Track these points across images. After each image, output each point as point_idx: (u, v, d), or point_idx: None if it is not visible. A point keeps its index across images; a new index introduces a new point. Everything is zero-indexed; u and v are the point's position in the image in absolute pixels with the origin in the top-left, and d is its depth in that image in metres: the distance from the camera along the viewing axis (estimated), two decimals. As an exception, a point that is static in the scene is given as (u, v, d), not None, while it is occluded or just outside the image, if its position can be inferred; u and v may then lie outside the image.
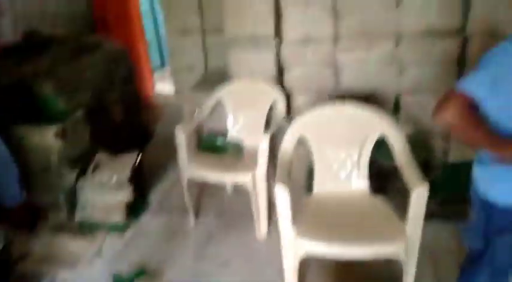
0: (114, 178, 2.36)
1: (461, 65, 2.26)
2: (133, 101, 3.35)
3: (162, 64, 5.40)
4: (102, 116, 2.82)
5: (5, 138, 1.50)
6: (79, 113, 2.46)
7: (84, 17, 3.59)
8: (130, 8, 4.00)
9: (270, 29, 2.38)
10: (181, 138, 2.20)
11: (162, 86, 4.66)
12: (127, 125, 3.21)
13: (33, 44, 2.62)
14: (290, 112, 2.48)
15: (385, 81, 2.37)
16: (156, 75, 5.01)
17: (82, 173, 2.37)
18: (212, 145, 2.41)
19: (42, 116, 2.29)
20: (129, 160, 2.54)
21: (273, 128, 2.21)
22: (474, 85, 1.03)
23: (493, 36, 2.11)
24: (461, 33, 2.21)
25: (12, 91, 2.25)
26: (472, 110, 1.03)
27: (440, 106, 1.04)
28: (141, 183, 2.58)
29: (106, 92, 2.91)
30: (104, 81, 2.90)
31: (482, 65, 1.06)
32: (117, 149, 2.68)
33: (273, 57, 2.40)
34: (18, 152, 2.12)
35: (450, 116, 1.02)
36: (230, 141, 2.43)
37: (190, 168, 2.17)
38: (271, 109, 2.42)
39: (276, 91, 2.38)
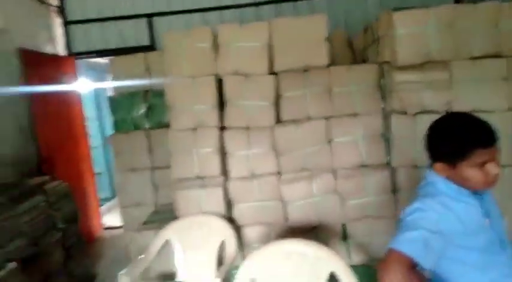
0: None
1: (394, 192, 2.46)
2: (76, 242, 3.16)
3: (113, 195, 5.29)
4: (40, 263, 2.60)
5: None
6: (12, 265, 2.24)
7: (30, 157, 3.58)
8: (80, 145, 4.08)
9: (216, 168, 2.50)
10: (125, 288, 2.05)
11: (112, 218, 4.48)
12: (67, 270, 2.95)
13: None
14: (242, 248, 2.45)
15: (330, 211, 2.48)
16: (106, 207, 4.86)
17: None
18: (159, 292, 2.25)
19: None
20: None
21: (224, 268, 2.14)
22: (408, 246, 1.07)
23: (414, 167, 2.37)
24: (388, 166, 2.46)
25: None
26: (412, 269, 1.06)
27: (382, 268, 1.07)
28: None
29: (45, 236, 2.74)
30: (43, 224, 2.76)
31: (410, 224, 1.13)
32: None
33: (221, 194, 2.47)
34: None
35: (392, 279, 1.03)
36: (179, 286, 2.29)
37: (134, 324, 1.97)
38: (222, 246, 2.38)
39: (226, 227, 2.38)
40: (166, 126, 2.84)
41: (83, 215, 3.51)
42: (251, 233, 2.54)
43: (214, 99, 2.51)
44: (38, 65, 3.62)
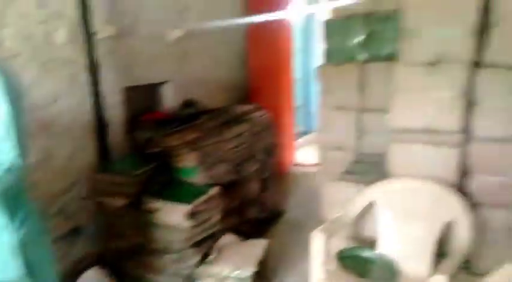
0: (235, 273, 2.03)
1: None
2: (270, 175, 3.10)
3: (308, 131, 5.16)
4: (238, 190, 2.61)
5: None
6: (215, 190, 2.26)
7: (240, 84, 3.64)
8: (284, 77, 3.91)
9: (455, 121, 1.79)
10: (318, 247, 1.74)
11: (304, 154, 4.33)
12: (260, 201, 2.94)
13: (188, 114, 2.67)
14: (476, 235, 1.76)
15: None
16: (300, 142, 4.76)
17: (205, 257, 2.11)
18: (355, 259, 1.86)
19: (176, 191, 2.18)
20: (255, 250, 2.20)
21: (452, 261, 1.55)
22: None
23: None
24: None
25: (155, 161, 2.24)
26: None
27: None
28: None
29: (245, 165, 2.72)
30: (245, 153, 2.73)
31: None
32: (242, 229, 2.46)
33: (457, 157, 1.78)
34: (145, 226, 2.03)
35: None
36: (379, 260, 1.84)
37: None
38: (448, 228, 1.76)
39: (458, 203, 1.73)
40: (385, 59, 2.36)
41: (278, 149, 3.42)
42: (492, 217, 1.81)
43: (473, 19, 1.71)
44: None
